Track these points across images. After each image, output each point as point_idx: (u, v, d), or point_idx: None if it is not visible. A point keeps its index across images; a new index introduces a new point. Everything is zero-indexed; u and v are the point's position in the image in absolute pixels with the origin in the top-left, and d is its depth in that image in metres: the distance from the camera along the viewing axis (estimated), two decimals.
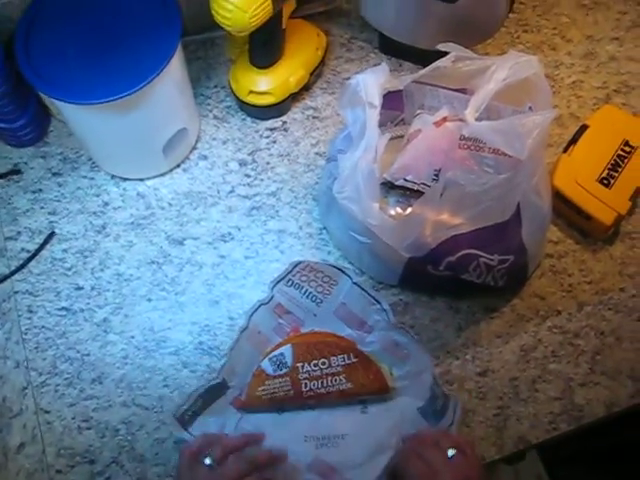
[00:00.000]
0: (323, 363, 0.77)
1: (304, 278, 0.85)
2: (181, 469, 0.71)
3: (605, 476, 1.32)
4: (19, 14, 0.86)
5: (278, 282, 0.85)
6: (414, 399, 0.79)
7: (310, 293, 0.84)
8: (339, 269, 0.86)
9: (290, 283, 0.85)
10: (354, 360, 0.77)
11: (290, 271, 0.86)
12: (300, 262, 0.86)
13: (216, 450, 0.70)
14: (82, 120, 0.84)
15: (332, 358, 0.78)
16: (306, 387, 0.77)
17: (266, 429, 0.77)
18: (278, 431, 0.77)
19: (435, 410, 0.78)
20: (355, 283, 0.84)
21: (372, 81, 0.76)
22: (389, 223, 0.74)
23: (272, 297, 0.84)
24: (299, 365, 0.78)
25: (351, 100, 0.78)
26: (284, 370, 0.78)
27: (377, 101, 0.75)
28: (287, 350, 0.78)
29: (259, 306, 0.84)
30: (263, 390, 0.78)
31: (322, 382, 0.77)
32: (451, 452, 0.69)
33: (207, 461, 0.69)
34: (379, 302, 0.84)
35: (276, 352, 0.79)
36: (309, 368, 0.77)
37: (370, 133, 0.74)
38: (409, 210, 0.85)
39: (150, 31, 0.79)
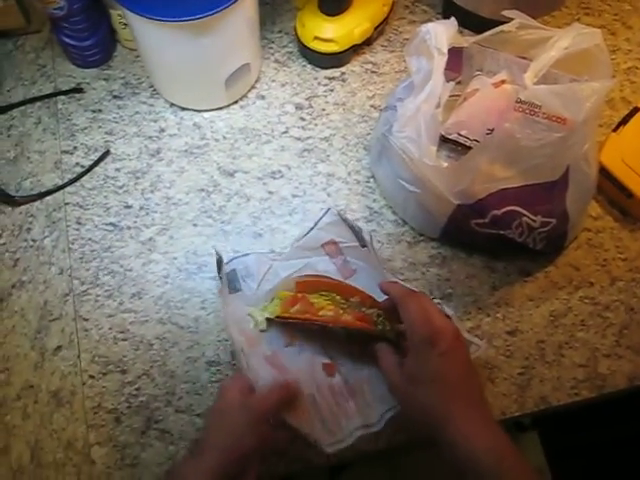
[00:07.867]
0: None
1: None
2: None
3: (605, 468, 1.34)
4: None
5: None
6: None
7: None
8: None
9: None
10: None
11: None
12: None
13: None
14: (154, 40, 0.86)
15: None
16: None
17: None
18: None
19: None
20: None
21: (441, 31, 0.78)
22: (443, 167, 0.76)
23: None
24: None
25: (418, 48, 0.80)
26: None
27: (445, 49, 0.77)
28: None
29: None
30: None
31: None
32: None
33: None
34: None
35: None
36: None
37: (436, 79, 0.75)
38: None
39: None
